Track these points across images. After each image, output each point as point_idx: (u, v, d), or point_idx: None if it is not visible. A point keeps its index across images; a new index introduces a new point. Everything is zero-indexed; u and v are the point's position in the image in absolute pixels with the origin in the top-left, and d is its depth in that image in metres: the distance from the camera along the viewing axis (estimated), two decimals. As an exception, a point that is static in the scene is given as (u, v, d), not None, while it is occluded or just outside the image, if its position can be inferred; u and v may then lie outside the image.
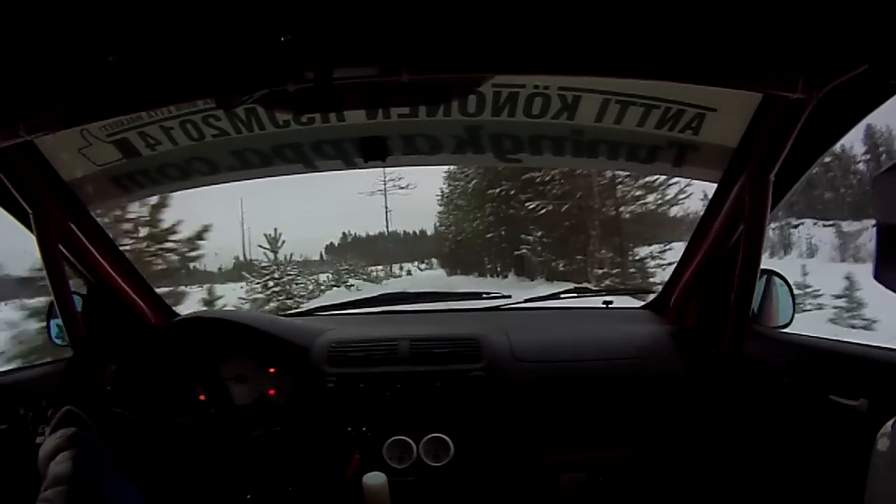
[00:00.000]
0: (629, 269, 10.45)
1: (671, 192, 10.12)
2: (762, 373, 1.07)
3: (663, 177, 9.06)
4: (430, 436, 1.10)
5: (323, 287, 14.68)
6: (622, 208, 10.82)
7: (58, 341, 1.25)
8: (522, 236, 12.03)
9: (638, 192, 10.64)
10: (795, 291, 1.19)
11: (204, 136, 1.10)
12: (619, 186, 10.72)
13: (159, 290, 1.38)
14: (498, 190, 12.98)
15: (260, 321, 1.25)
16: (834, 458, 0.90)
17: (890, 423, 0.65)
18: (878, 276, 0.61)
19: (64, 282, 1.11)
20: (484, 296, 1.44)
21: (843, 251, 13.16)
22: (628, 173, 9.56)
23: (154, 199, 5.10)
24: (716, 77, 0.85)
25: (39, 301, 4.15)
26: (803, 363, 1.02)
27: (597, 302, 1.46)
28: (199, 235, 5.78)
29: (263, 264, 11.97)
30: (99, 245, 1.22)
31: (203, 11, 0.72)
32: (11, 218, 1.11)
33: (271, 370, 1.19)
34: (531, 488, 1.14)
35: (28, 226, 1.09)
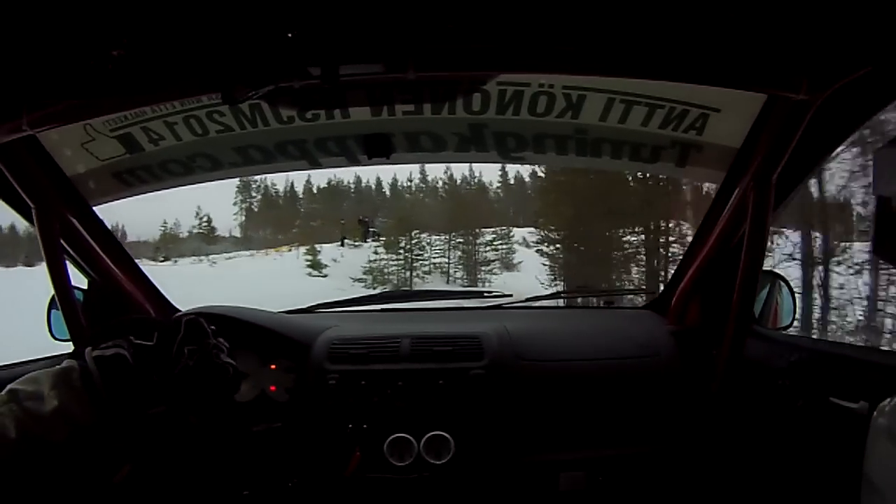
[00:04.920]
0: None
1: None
2: (763, 374, 1.07)
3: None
4: (431, 433, 1.10)
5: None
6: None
7: (58, 336, 1.24)
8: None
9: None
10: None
11: (208, 131, 1.10)
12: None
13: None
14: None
15: (261, 318, 1.25)
16: (834, 460, 0.90)
17: (888, 401, 0.66)
18: (876, 249, 0.62)
19: (65, 276, 1.11)
20: (485, 294, 1.44)
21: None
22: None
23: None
24: (720, 77, 0.85)
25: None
26: (804, 365, 1.02)
27: (598, 301, 1.46)
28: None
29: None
30: (100, 240, 1.22)
31: (209, 5, 0.72)
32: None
33: (272, 367, 1.19)
34: (532, 487, 1.14)
35: (30, 220, 1.09)
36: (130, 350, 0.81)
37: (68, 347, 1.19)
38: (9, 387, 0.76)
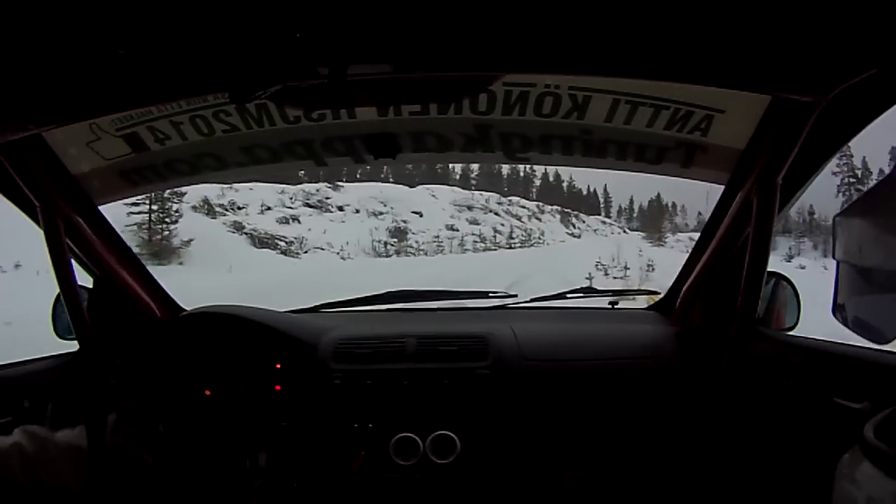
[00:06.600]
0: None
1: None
2: (767, 375, 1.08)
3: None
4: (436, 433, 1.10)
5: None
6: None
7: (63, 334, 1.24)
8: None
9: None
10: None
11: (214, 131, 1.10)
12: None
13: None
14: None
15: (266, 317, 1.25)
16: (837, 460, 0.90)
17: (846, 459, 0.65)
18: (835, 311, 0.63)
19: (70, 275, 1.11)
20: (490, 294, 1.45)
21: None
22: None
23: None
24: (725, 79, 0.86)
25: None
26: (808, 365, 1.02)
27: (602, 302, 1.47)
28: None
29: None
30: (105, 239, 1.22)
31: (217, 5, 0.72)
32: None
33: (277, 366, 1.19)
34: (537, 486, 1.14)
35: (35, 219, 1.09)
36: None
37: (73, 346, 1.19)
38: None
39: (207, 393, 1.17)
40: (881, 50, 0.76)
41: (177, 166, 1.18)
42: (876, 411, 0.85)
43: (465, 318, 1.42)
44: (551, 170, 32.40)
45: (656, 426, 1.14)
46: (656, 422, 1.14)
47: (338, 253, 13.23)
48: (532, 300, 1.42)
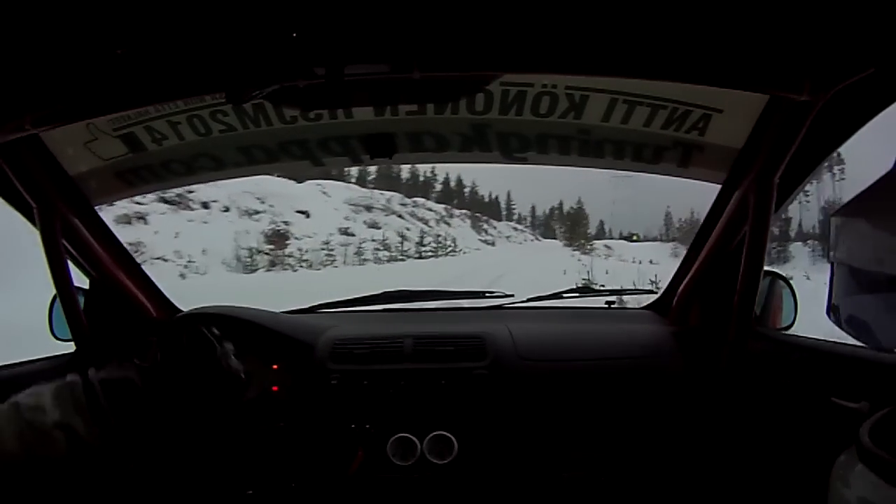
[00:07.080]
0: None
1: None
2: (764, 374, 1.08)
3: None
4: (434, 433, 1.10)
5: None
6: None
7: (60, 335, 1.24)
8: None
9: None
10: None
11: (211, 131, 1.10)
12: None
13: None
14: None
15: (263, 317, 1.25)
16: (835, 460, 0.90)
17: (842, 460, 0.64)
18: (830, 312, 0.62)
19: (67, 276, 1.11)
20: (487, 295, 1.45)
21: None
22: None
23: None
24: (723, 78, 0.86)
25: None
26: (805, 365, 1.02)
27: (599, 302, 1.47)
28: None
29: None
30: (102, 240, 1.22)
31: (214, 5, 0.72)
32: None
33: (275, 367, 1.19)
34: (534, 486, 1.14)
35: (32, 220, 1.08)
36: (138, 375, 0.82)
37: (69, 347, 1.19)
38: (11, 399, 0.77)
39: None
40: (879, 49, 0.76)
41: (174, 166, 1.18)
42: (874, 411, 0.85)
43: (462, 318, 1.42)
44: (453, 174, 30.74)
45: (654, 426, 1.14)
46: (654, 421, 1.14)
47: (184, 266, 10.06)
48: (529, 300, 1.42)
